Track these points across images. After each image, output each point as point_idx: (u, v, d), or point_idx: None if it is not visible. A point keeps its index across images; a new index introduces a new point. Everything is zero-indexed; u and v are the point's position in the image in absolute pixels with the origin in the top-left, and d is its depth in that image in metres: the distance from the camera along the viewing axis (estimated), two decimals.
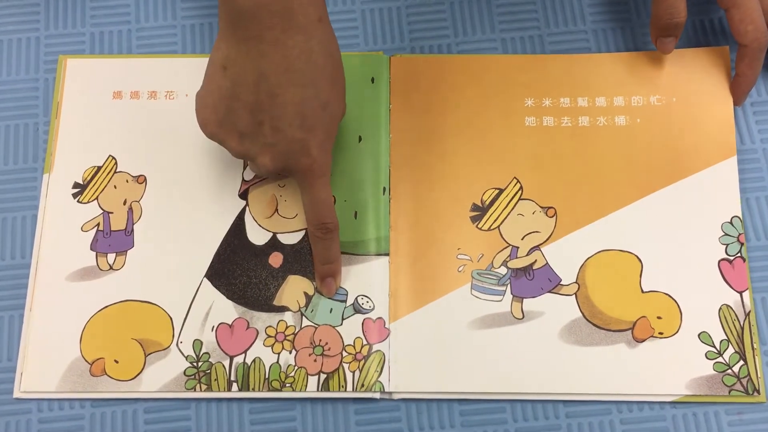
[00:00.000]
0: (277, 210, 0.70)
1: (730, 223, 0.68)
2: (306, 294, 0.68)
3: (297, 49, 0.58)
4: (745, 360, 0.65)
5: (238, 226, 0.70)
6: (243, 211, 0.70)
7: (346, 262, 0.68)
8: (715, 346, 0.66)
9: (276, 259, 0.69)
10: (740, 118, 0.73)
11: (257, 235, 0.69)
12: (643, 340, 0.66)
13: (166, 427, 0.66)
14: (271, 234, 0.69)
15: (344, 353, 0.66)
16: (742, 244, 0.68)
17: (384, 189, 0.70)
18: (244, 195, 0.71)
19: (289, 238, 0.69)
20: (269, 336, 0.66)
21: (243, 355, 0.66)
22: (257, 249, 0.69)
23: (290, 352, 0.66)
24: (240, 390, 0.65)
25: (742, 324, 0.66)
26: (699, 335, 0.66)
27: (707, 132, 0.71)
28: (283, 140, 0.60)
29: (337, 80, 0.62)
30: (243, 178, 0.71)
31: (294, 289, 0.68)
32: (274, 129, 0.60)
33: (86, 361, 0.66)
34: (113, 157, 0.72)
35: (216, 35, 0.75)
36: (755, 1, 0.68)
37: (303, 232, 0.69)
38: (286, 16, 0.57)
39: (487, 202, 0.70)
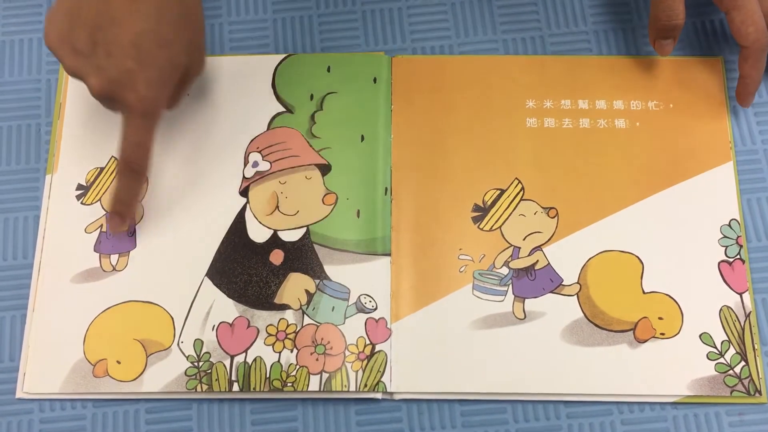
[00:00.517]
0: (278, 207, 0.70)
1: (729, 225, 0.69)
2: (307, 292, 0.68)
3: None
4: (746, 361, 0.65)
5: (239, 223, 0.70)
6: (243, 209, 0.70)
7: (349, 261, 0.68)
8: (716, 347, 0.66)
9: (277, 257, 0.69)
10: (741, 119, 0.73)
11: (258, 233, 0.69)
12: (645, 341, 0.66)
13: (167, 428, 0.66)
14: (272, 231, 0.69)
15: (347, 352, 0.66)
16: (741, 246, 0.68)
17: (386, 189, 0.70)
18: (244, 192, 0.71)
19: (290, 235, 0.69)
20: (270, 335, 0.66)
21: (244, 354, 0.66)
22: (258, 247, 0.69)
23: (291, 351, 0.66)
24: (241, 390, 0.65)
25: (742, 325, 0.66)
26: (700, 336, 0.66)
27: (703, 138, 0.72)
28: (114, 66, 0.61)
29: (185, 27, 0.64)
30: (244, 175, 0.71)
31: (295, 286, 0.68)
32: (107, 53, 0.61)
33: (89, 362, 0.66)
34: (116, 158, 0.72)
35: (216, 34, 0.76)
36: (755, 2, 0.68)
37: (304, 230, 0.69)
38: None
39: (489, 203, 0.70)
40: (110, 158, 0.72)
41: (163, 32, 0.61)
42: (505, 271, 0.68)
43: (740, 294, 0.67)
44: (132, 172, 0.65)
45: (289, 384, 0.65)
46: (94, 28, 0.61)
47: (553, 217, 0.70)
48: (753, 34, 0.68)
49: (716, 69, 0.74)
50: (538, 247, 0.69)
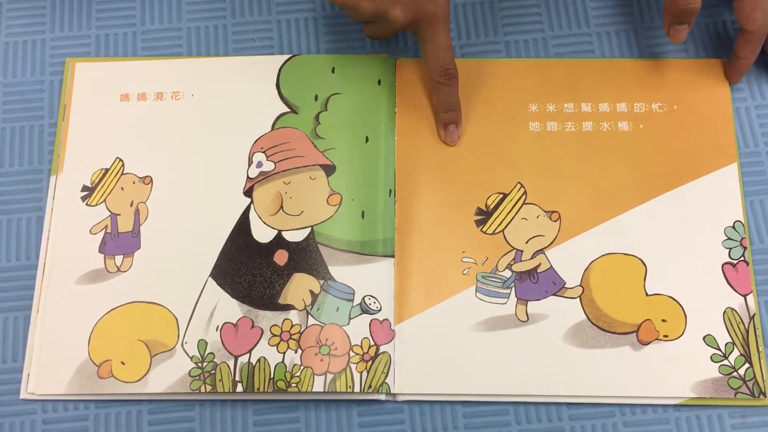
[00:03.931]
0: (282, 207, 0.70)
1: (733, 227, 0.69)
2: (312, 292, 0.68)
3: None
4: (750, 363, 0.65)
5: (243, 224, 0.70)
6: (248, 209, 0.70)
7: (354, 261, 0.68)
8: (720, 349, 0.66)
9: (281, 257, 0.69)
10: (743, 121, 0.73)
11: (262, 233, 0.69)
12: (648, 343, 0.66)
13: (170, 428, 0.66)
14: (276, 231, 0.69)
15: (351, 353, 0.66)
16: (744, 248, 0.68)
17: (390, 191, 0.70)
18: (248, 192, 0.71)
19: (295, 236, 0.69)
20: (274, 335, 0.66)
21: (248, 354, 0.66)
22: (262, 247, 0.69)
23: (296, 352, 0.66)
24: (245, 390, 0.65)
25: (747, 327, 0.66)
26: (704, 338, 0.66)
27: (708, 139, 0.71)
28: None
29: None
30: (248, 175, 0.71)
31: (299, 287, 0.68)
32: None
33: (94, 363, 0.66)
34: (120, 159, 0.72)
35: (220, 35, 0.77)
36: None
37: (308, 230, 0.69)
38: None
39: (492, 206, 0.70)
40: (115, 159, 0.72)
41: None
42: (508, 273, 0.68)
43: (744, 296, 0.67)
44: (452, 78, 0.70)
45: (293, 385, 0.65)
46: None
47: (556, 221, 0.70)
48: (760, 20, 0.69)
49: (721, 70, 0.74)
50: (541, 250, 0.69)
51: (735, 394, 0.65)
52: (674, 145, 0.71)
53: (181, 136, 0.72)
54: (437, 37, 0.68)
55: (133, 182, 0.71)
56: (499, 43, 0.76)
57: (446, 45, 0.68)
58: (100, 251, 0.69)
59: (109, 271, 0.69)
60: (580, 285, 0.68)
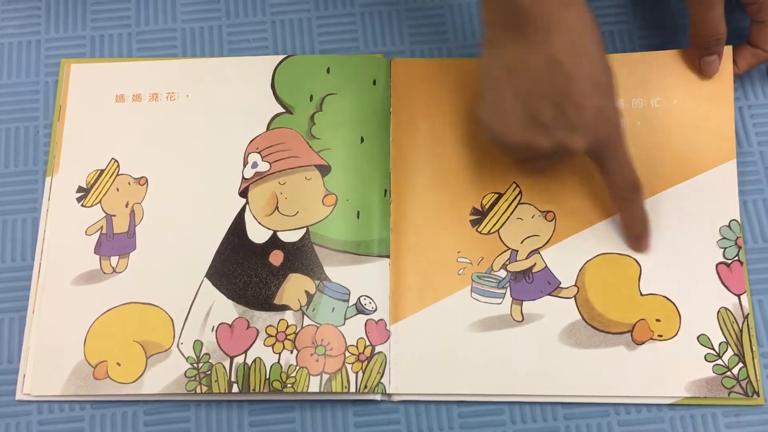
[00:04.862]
0: (277, 207, 0.70)
1: (728, 226, 0.69)
2: (307, 293, 0.68)
3: (576, 24, 0.59)
4: (744, 362, 0.65)
5: (238, 224, 0.70)
6: (243, 210, 0.70)
7: (349, 262, 0.68)
8: (714, 349, 0.66)
9: (276, 258, 0.69)
10: (738, 121, 0.73)
11: (257, 234, 0.69)
12: (642, 343, 0.66)
13: (166, 429, 0.66)
14: (272, 232, 0.69)
15: (347, 353, 0.66)
16: (740, 247, 0.68)
17: (385, 191, 0.70)
18: (244, 193, 0.71)
19: (290, 236, 0.69)
20: (270, 335, 0.66)
21: (243, 355, 0.66)
22: (257, 247, 0.69)
23: (291, 352, 0.66)
24: (241, 391, 0.65)
25: (740, 327, 0.66)
26: (698, 338, 0.66)
27: (707, 135, 0.71)
28: (587, 114, 0.60)
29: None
30: (243, 176, 0.71)
31: (295, 287, 0.68)
32: (577, 107, 0.60)
33: (90, 364, 0.67)
34: (116, 160, 0.72)
35: (215, 36, 0.76)
36: None
37: (304, 230, 0.69)
38: None
39: (487, 206, 0.70)
40: (110, 160, 0.72)
41: (603, 58, 0.61)
42: (503, 273, 0.68)
43: (738, 296, 0.67)
44: (636, 191, 0.65)
45: (289, 385, 0.65)
46: (553, 94, 0.60)
47: (551, 221, 0.70)
48: None
49: (726, 59, 0.72)
50: (536, 250, 0.69)
51: (729, 394, 0.65)
52: (672, 141, 0.71)
53: (177, 136, 0.72)
54: (618, 154, 0.63)
55: (129, 183, 0.71)
56: None
57: (627, 160, 0.64)
58: (95, 252, 0.69)
59: (104, 272, 0.69)
60: (575, 285, 0.68)
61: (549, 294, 0.68)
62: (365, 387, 0.65)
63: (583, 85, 0.59)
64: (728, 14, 0.68)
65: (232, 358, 0.66)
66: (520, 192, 0.71)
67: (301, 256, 0.69)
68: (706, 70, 0.71)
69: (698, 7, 0.68)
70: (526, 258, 0.69)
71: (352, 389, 0.65)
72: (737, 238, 0.68)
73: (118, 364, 0.66)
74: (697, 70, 0.72)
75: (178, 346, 0.67)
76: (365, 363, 0.66)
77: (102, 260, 0.69)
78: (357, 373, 0.65)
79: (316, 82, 0.73)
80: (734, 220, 0.69)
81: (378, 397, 0.66)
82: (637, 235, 0.68)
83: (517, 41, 0.60)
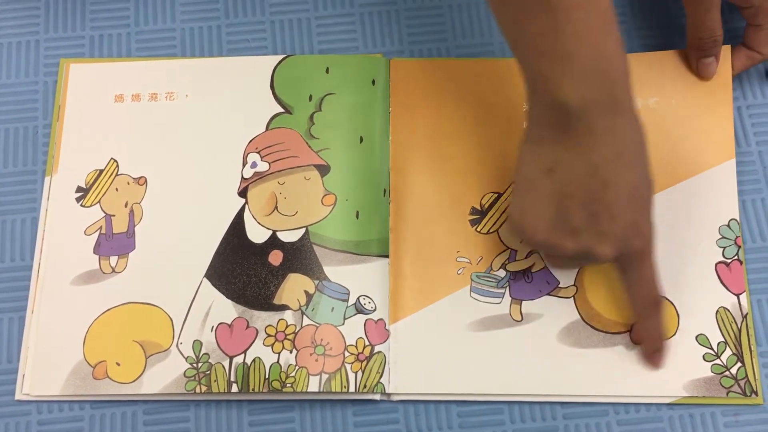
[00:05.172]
0: (276, 207, 0.70)
1: (728, 226, 0.69)
2: (306, 292, 0.68)
3: (623, 133, 0.57)
4: (743, 362, 0.65)
5: (238, 224, 0.70)
6: (242, 210, 0.70)
7: (348, 262, 0.68)
8: (712, 348, 0.66)
9: (276, 257, 0.69)
10: (736, 121, 0.73)
11: (257, 234, 0.69)
12: (641, 342, 0.66)
13: (165, 429, 0.66)
14: (271, 232, 0.69)
15: (346, 353, 0.66)
16: (739, 247, 0.68)
17: (384, 191, 0.70)
18: (243, 193, 0.71)
19: (289, 236, 0.69)
20: (269, 335, 0.66)
21: (243, 355, 0.66)
22: (257, 247, 0.69)
23: (291, 352, 0.66)
24: (240, 390, 0.65)
25: (739, 326, 0.66)
26: (696, 337, 0.66)
27: (706, 134, 0.71)
28: (619, 225, 0.58)
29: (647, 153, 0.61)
30: (242, 176, 0.71)
31: (294, 287, 0.68)
32: (610, 217, 0.58)
33: (89, 364, 0.66)
34: (115, 160, 0.72)
35: (214, 36, 0.76)
36: None
37: (303, 230, 0.69)
38: (613, 105, 0.56)
39: (486, 206, 0.70)
40: (109, 160, 0.72)
41: (648, 172, 0.59)
42: (502, 273, 0.69)
43: (737, 295, 0.67)
44: (658, 306, 0.64)
45: (288, 385, 0.65)
46: (588, 200, 0.58)
47: None
48: None
49: (724, 58, 0.72)
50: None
51: (727, 393, 0.65)
52: (671, 141, 0.71)
53: (176, 136, 0.72)
54: (643, 269, 0.62)
55: (128, 183, 0.71)
56: (492, 44, 0.76)
57: (654, 275, 0.62)
58: (94, 252, 0.69)
59: (103, 272, 0.69)
60: (574, 285, 0.68)
61: (548, 294, 0.68)
62: (364, 387, 0.65)
63: (621, 196, 0.57)
64: (724, 15, 0.68)
65: (231, 358, 0.66)
66: None
67: (300, 256, 0.69)
68: (703, 71, 0.72)
69: (696, 8, 0.69)
70: (526, 258, 0.69)
71: (352, 389, 0.65)
72: (736, 237, 0.68)
73: (118, 364, 0.66)
74: (695, 72, 0.72)
75: (177, 346, 0.67)
76: (364, 363, 0.66)
77: (101, 260, 0.69)
78: (356, 372, 0.65)
79: (316, 82, 0.73)
80: (733, 219, 0.69)
81: (377, 397, 0.66)
82: (651, 351, 0.66)
83: (559, 143, 0.58)
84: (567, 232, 0.59)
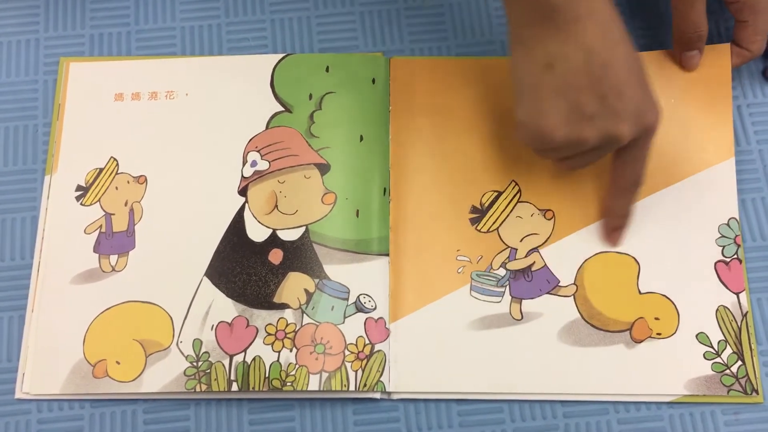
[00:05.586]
0: (276, 206, 0.70)
1: (727, 224, 0.69)
2: (307, 291, 0.68)
3: (603, 12, 0.59)
4: (743, 360, 0.66)
5: (238, 223, 0.70)
6: (242, 208, 0.70)
7: (348, 260, 0.68)
8: (713, 347, 0.66)
9: (276, 256, 0.69)
10: (736, 119, 0.73)
11: (257, 232, 0.69)
12: (641, 341, 0.66)
13: (165, 428, 0.66)
14: (271, 230, 0.69)
15: (346, 352, 0.66)
16: (738, 245, 0.68)
17: (384, 189, 0.70)
18: (243, 192, 0.71)
19: (290, 235, 0.69)
20: (269, 334, 0.66)
21: (243, 353, 0.66)
22: (257, 246, 0.69)
23: (291, 351, 0.66)
24: (240, 389, 0.65)
25: (739, 325, 0.66)
26: (697, 336, 0.66)
27: (705, 133, 0.71)
28: (630, 102, 0.59)
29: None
30: (242, 174, 0.71)
31: (294, 286, 0.68)
32: (618, 95, 0.59)
33: (89, 363, 0.66)
34: (115, 159, 0.72)
35: (214, 34, 0.76)
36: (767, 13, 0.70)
37: (303, 229, 0.69)
38: None
39: (486, 205, 0.70)
40: (109, 159, 0.72)
41: (632, 46, 0.60)
42: (502, 272, 0.69)
43: (737, 294, 0.67)
44: (638, 189, 0.65)
45: (288, 383, 0.65)
46: (593, 84, 0.58)
47: (550, 219, 0.70)
48: (759, 43, 0.70)
49: (724, 56, 0.72)
50: (535, 249, 0.69)
51: (728, 392, 0.65)
52: (670, 140, 0.71)
53: (176, 135, 0.72)
54: (644, 147, 0.63)
55: (128, 182, 0.71)
56: (494, 43, 0.76)
57: (646, 155, 0.64)
58: (94, 251, 0.69)
59: (103, 271, 0.69)
60: (574, 283, 0.68)
61: (548, 292, 0.68)
62: (365, 385, 0.65)
63: (621, 73, 0.58)
64: (717, 13, 0.68)
65: (231, 357, 0.66)
66: (520, 190, 0.71)
67: (300, 255, 0.69)
68: (687, 64, 0.72)
69: (680, 4, 0.69)
70: (526, 256, 0.69)
71: (352, 387, 0.65)
72: (736, 236, 0.68)
73: (118, 363, 0.66)
74: (679, 65, 0.72)
75: (177, 344, 0.67)
76: (365, 361, 0.66)
77: (101, 259, 0.69)
78: (356, 371, 0.65)
79: (316, 81, 0.73)
80: (733, 218, 0.69)
81: (377, 396, 0.66)
82: (615, 227, 0.68)
83: (550, 36, 0.59)
84: (584, 122, 0.59)
